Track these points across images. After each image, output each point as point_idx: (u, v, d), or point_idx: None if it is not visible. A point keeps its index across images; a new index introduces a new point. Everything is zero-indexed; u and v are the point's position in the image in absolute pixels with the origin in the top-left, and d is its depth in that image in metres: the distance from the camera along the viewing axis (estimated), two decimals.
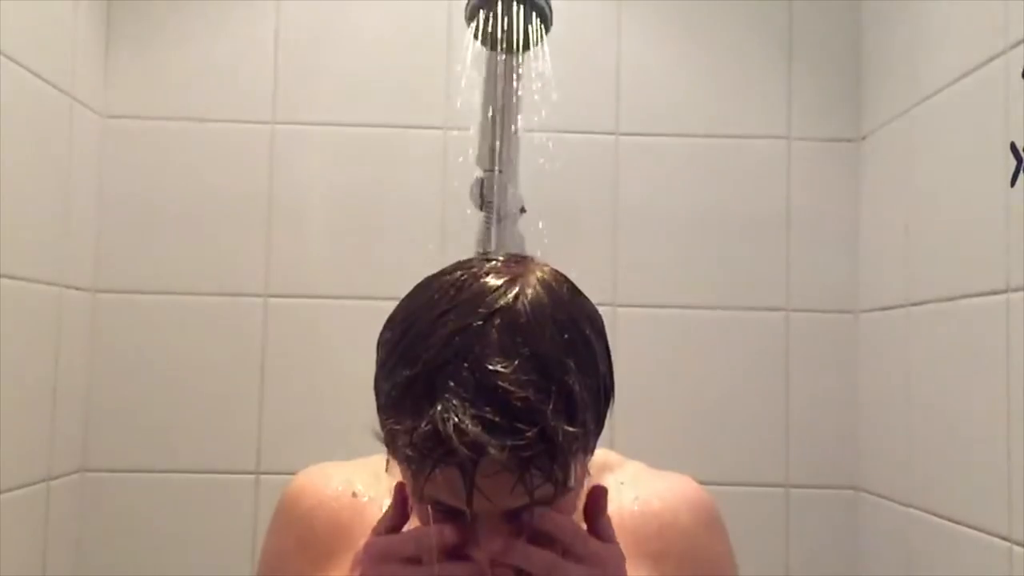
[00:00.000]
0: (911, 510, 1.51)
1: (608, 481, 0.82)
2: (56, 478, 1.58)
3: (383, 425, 0.66)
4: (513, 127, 1.68)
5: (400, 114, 1.74)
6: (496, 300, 0.66)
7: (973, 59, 1.35)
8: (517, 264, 0.70)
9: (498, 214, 1.66)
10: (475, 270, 0.69)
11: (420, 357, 0.64)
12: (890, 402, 1.60)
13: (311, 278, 1.72)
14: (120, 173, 1.72)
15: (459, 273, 0.69)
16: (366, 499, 0.86)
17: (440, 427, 0.60)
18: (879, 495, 1.64)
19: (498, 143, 1.66)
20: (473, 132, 1.69)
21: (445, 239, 1.71)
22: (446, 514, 0.65)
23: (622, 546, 0.70)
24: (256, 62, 1.74)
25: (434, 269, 0.74)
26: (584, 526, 0.69)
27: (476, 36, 1.63)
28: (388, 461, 0.71)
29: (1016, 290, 1.22)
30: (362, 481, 0.88)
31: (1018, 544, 1.20)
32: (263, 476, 1.68)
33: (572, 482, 0.64)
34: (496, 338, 0.63)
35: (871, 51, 1.74)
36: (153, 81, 1.73)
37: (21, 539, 1.48)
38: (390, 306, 0.72)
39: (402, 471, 0.67)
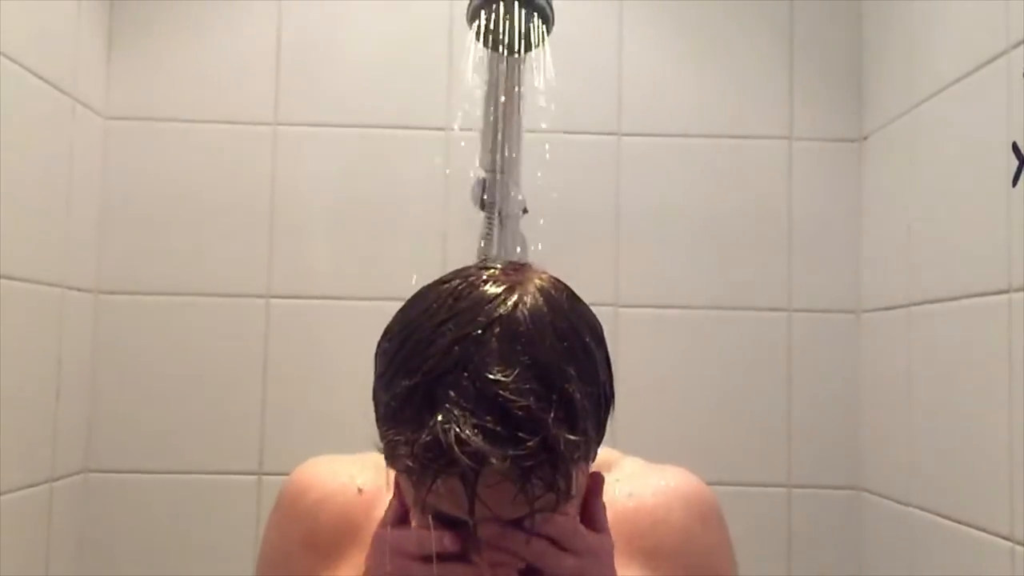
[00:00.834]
0: (913, 510, 1.51)
1: (606, 480, 0.82)
2: (59, 479, 1.58)
3: (383, 436, 0.66)
4: (515, 128, 1.68)
5: (402, 115, 1.74)
6: (495, 308, 0.65)
7: (974, 59, 1.35)
8: (516, 272, 0.70)
9: (500, 215, 1.66)
10: (473, 279, 0.68)
11: (420, 367, 0.64)
12: (892, 402, 1.60)
13: (313, 279, 1.72)
14: (122, 174, 1.72)
15: (457, 282, 0.69)
16: (371, 494, 0.85)
17: (441, 437, 0.59)
18: (881, 495, 1.64)
19: (500, 144, 1.66)
20: (475, 133, 1.69)
21: (447, 240, 1.71)
22: (447, 524, 0.65)
23: (615, 544, 0.70)
24: (258, 63, 1.74)
25: (436, 270, 0.74)
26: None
27: (478, 37, 1.63)
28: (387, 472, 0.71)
29: (1018, 290, 1.22)
30: (367, 475, 0.87)
31: (1020, 544, 1.20)
32: (265, 477, 1.68)
33: (574, 491, 0.63)
34: (496, 347, 0.63)
35: (873, 51, 1.74)
36: (155, 82, 1.74)
37: (24, 540, 1.48)
38: (392, 307, 0.72)
39: (402, 482, 0.66)
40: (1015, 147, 1.23)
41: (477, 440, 0.59)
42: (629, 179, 1.75)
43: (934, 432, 1.45)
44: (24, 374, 1.45)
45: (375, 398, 0.68)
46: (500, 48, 1.63)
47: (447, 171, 1.73)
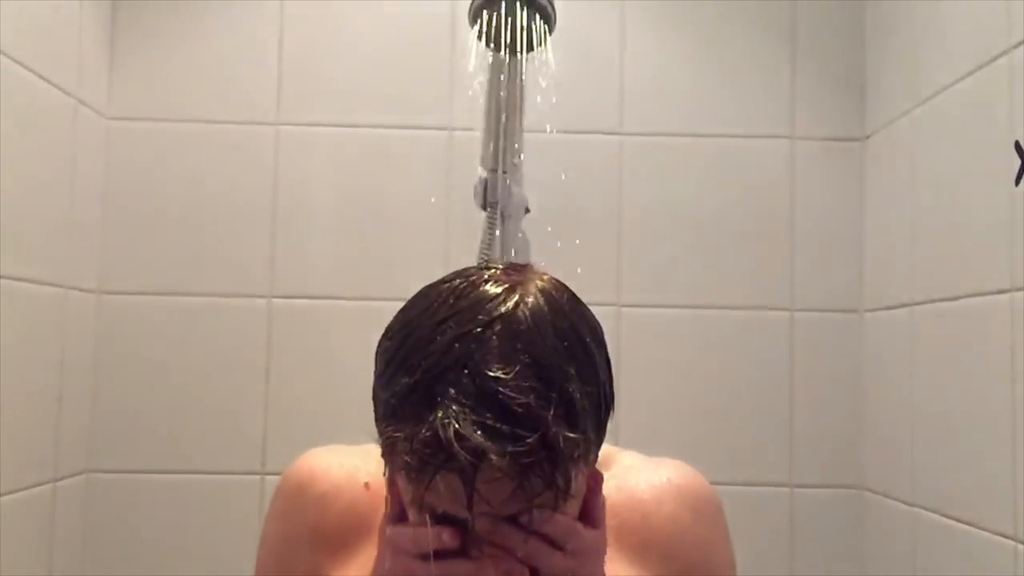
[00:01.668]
0: (916, 510, 1.50)
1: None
2: (62, 479, 1.58)
3: (382, 434, 0.65)
4: (517, 127, 1.68)
5: (404, 115, 1.74)
6: (496, 307, 0.65)
7: (977, 58, 1.35)
8: (517, 272, 0.70)
9: (502, 214, 1.66)
10: (474, 278, 0.68)
11: (420, 365, 0.64)
12: (895, 402, 1.60)
13: (315, 279, 1.72)
14: (125, 175, 1.72)
15: (458, 281, 0.69)
16: (378, 488, 0.83)
17: (440, 433, 0.59)
18: (884, 495, 1.64)
19: (502, 143, 1.66)
20: (477, 133, 1.70)
21: (449, 240, 1.71)
22: (445, 523, 0.64)
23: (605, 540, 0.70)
24: (260, 64, 1.74)
25: (438, 269, 0.74)
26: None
27: (480, 37, 1.63)
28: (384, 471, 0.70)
29: (1020, 289, 1.22)
30: (371, 467, 0.85)
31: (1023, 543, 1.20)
32: (268, 477, 1.68)
33: (573, 490, 0.63)
34: (496, 345, 0.63)
35: (875, 50, 1.74)
36: (158, 83, 1.74)
37: (27, 540, 1.48)
38: (395, 307, 0.72)
39: (400, 481, 0.66)
40: (1018, 146, 1.22)
41: (476, 436, 0.59)
42: (631, 178, 1.75)
43: (937, 431, 1.45)
44: (27, 375, 1.45)
45: (375, 397, 0.68)
46: (502, 48, 1.63)
47: (449, 171, 1.73)
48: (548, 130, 1.70)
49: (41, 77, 1.48)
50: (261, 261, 1.72)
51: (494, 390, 0.61)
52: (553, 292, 0.69)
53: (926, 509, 1.47)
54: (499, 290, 0.67)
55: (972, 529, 1.33)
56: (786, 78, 1.77)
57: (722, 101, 1.77)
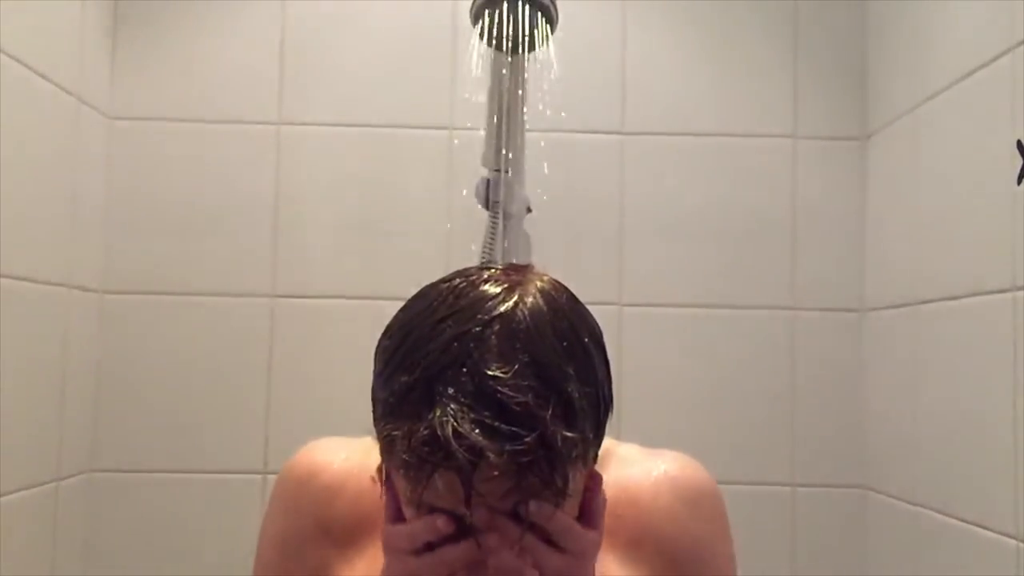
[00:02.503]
0: (918, 509, 1.50)
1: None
2: (65, 478, 1.58)
3: (380, 432, 0.65)
4: (519, 127, 1.68)
5: (406, 114, 1.74)
6: (495, 307, 0.65)
7: (979, 57, 1.35)
8: (516, 272, 0.70)
9: (504, 214, 1.66)
10: (474, 278, 0.68)
11: (419, 363, 0.64)
12: (897, 401, 1.60)
13: (318, 278, 1.72)
14: (127, 174, 1.72)
15: (457, 281, 0.69)
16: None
17: (439, 431, 0.59)
18: (886, 494, 1.64)
19: (504, 143, 1.66)
20: (479, 132, 1.70)
21: (451, 239, 1.71)
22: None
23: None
24: (262, 63, 1.74)
25: (440, 269, 0.74)
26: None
27: (482, 37, 1.63)
28: (380, 470, 0.69)
29: (1022, 288, 1.22)
30: (374, 460, 0.82)
31: None
32: (270, 476, 1.68)
33: (571, 489, 0.63)
34: (495, 344, 0.63)
35: (876, 49, 1.73)
36: (160, 82, 1.74)
37: (30, 539, 1.49)
38: (396, 307, 0.72)
39: (397, 479, 0.66)
40: (1020, 145, 1.22)
41: (474, 434, 0.59)
42: (633, 178, 1.75)
43: (939, 430, 1.45)
44: (29, 374, 1.46)
45: (374, 396, 0.68)
46: (504, 47, 1.63)
47: (451, 170, 1.73)
48: (550, 129, 1.70)
49: (43, 76, 1.48)
50: (263, 260, 1.72)
51: (493, 389, 0.61)
52: (552, 292, 0.68)
53: (928, 508, 1.47)
54: (498, 290, 0.67)
55: (974, 528, 1.33)
56: (788, 77, 1.77)
57: (723, 100, 1.77)
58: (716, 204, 1.75)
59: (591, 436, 0.66)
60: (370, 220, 1.73)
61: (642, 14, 1.77)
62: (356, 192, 1.73)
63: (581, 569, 0.67)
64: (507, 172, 1.67)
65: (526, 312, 0.65)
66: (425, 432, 0.60)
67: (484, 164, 1.68)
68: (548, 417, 0.60)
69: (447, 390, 0.61)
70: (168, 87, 1.74)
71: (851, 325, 1.74)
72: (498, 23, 1.61)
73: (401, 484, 0.66)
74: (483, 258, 1.61)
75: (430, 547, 0.64)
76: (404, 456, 0.61)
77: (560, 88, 1.68)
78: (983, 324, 1.32)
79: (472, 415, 0.60)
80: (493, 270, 0.70)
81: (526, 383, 0.61)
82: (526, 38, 1.62)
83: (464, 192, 1.68)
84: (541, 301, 0.67)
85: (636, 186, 1.75)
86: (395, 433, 0.62)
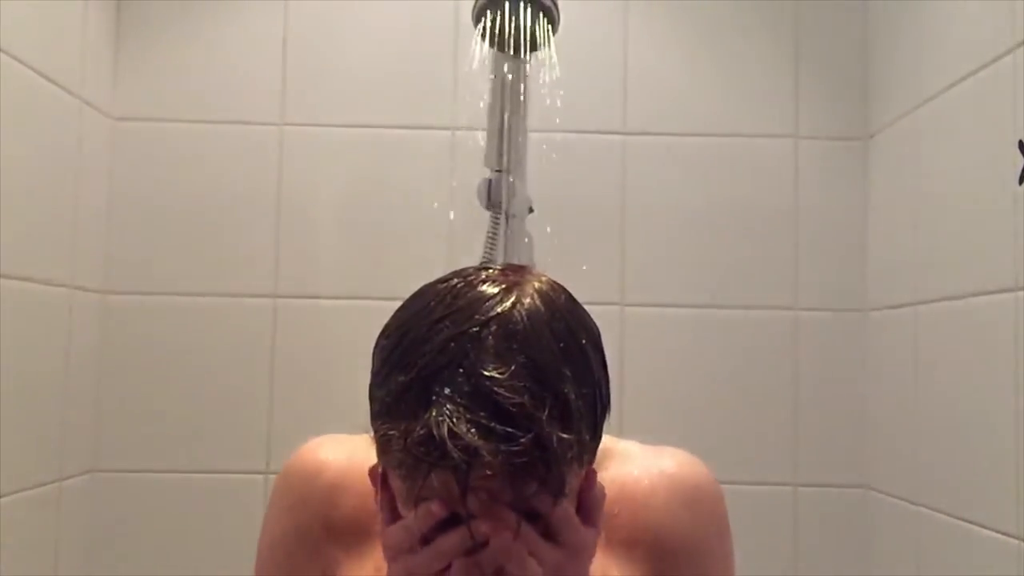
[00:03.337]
0: (921, 509, 1.50)
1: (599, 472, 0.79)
2: (67, 478, 1.59)
3: (377, 432, 0.65)
4: (521, 128, 1.68)
5: (408, 115, 1.74)
6: (492, 307, 0.65)
7: (981, 57, 1.35)
8: (514, 273, 0.69)
9: (506, 214, 1.66)
10: (471, 278, 0.68)
11: (415, 363, 0.63)
12: (899, 401, 1.60)
13: (320, 279, 1.72)
14: (129, 175, 1.73)
15: (455, 281, 0.68)
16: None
17: (434, 431, 0.59)
18: (888, 494, 1.63)
19: (506, 143, 1.66)
20: (481, 133, 1.70)
21: (453, 239, 1.71)
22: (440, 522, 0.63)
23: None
24: (264, 64, 1.74)
25: (442, 269, 0.74)
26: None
27: (483, 37, 1.63)
28: (373, 471, 0.69)
29: None
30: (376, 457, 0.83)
31: None
32: (272, 476, 1.67)
33: (567, 490, 0.63)
34: (492, 344, 0.63)
35: (878, 49, 1.73)
36: (162, 83, 1.74)
37: (33, 539, 1.49)
38: (398, 307, 0.72)
39: (393, 480, 0.66)
40: (1021, 145, 1.22)
41: (470, 435, 0.59)
42: (635, 178, 1.75)
43: (941, 431, 1.45)
44: (32, 374, 1.46)
45: (371, 395, 0.68)
46: (506, 48, 1.63)
47: (453, 171, 1.73)
48: (552, 130, 1.70)
49: (46, 77, 1.48)
50: (265, 261, 1.72)
51: (489, 389, 0.60)
52: (550, 293, 0.68)
53: (930, 508, 1.47)
54: (496, 290, 0.66)
55: (976, 528, 1.33)
56: (790, 77, 1.77)
57: (725, 101, 1.77)
58: (718, 204, 1.75)
59: (587, 438, 0.65)
60: (372, 221, 1.73)
61: (644, 14, 1.77)
62: (358, 193, 1.74)
63: (577, 567, 0.66)
64: (509, 172, 1.67)
65: (523, 313, 0.65)
66: (421, 432, 0.60)
67: (486, 164, 1.68)
68: (544, 418, 0.60)
69: (443, 390, 0.61)
70: (170, 88, 1.74)
71: (853, 325, 1.74)
72: (500, 23, 1.61)
73: (397, 484, 0.65)
74: (484, 258, 1.61)
75: (427, 542, 0.63)
76: (400, 456, 0.61)
77: (562, 88, 1.68)
78: (985, 324, 1.32)
79: (468, 415, 0.59)
80: (491, 270, 0.70)
81: (522, 384, 0.61)
82: (528, 38, 1.62)
83: (466, 192, 1.68)
84: (539, 302, 0.66)
85: (638, 186, 1.75)
86: (391, 433, 0.62)
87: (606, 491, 0.70)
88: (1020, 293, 1.23)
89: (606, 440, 0.83)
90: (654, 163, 1.76)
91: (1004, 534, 1.25)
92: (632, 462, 0.84)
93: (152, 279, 1.72)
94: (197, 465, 1.69)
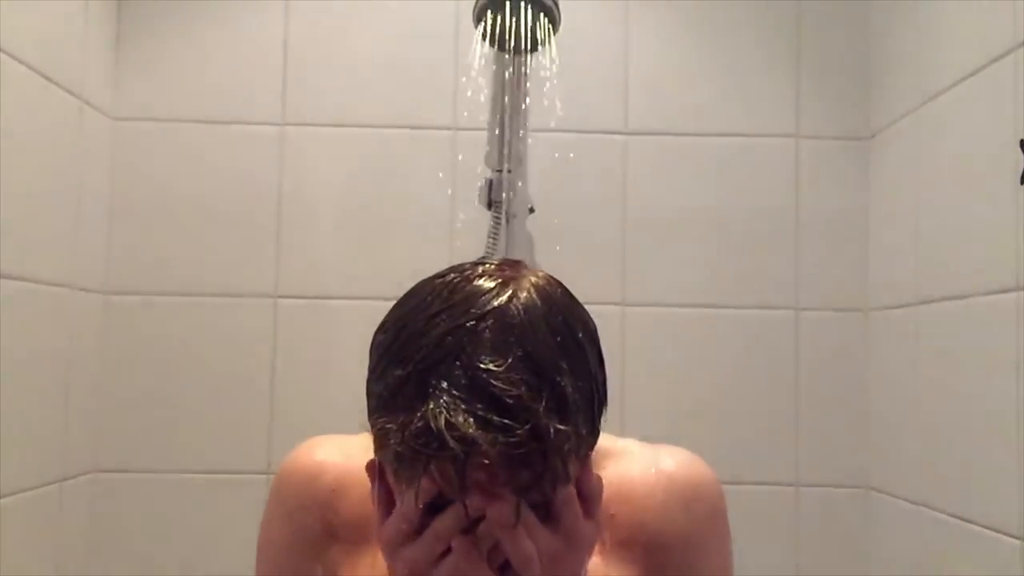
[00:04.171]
0: (922, 508, 1.50)
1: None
2: (69, 479, 1.59)
3: (374, 426, 0.65)
4: (521, 127, 1.68)
5: (409, 115, 1.74)
6: (489, 301, 0.65)
7: (982, 57, 1.35)
8: (511, 268, 0.70)
9: (507, 214, 1.66)
10: (468, 273, 0.69)
11: (412, 357, 0.64)
12: (901, 401, 1.59)
13: (321, 279, 1.72)
14: (130, 175, 1.72)
15: (452, 276, 0.69)
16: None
17: (432, 423, 0.59)
18: (890, 494, 1.63)
19: (507, 143, 1.67)
20: (481, 133, 1.70)
21: (454, 239, 1.71)
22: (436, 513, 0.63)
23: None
24: (265, 64, 1.74)
25: (443, 269, 0.74)
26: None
27: (484, 37, 1.63)
28: (370, 467, 0.68)
29: None
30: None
31: None
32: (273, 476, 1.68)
33: (564, 481, 0.63)
34: (489, 338, 0.63)
35: (880, 48, 1.73)
36: (163, 83, 1.74)
37: (34, 539, 1.49)
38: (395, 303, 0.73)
39: (390, 476, 0.65)
40: (1023, 144, 1.22)
41: (468, 425, 0.59)
42: (636, 178, 1.75)
43: (942, 430, 1.44)
44: (33, 374, 1.46)
45: (368, 391, 0.68)
46: (506, 47, 1.63)
47: (454, 171, 1.73)
48: (553, 130, 1.70)
49: (46, 77, 1.48)
50: (266, 261, 1.72)
51: (486, 382, 0.61)
52: (547, 287, 0.68)
53: (931, 508, 1.47)
54: (492, 285, 0.67)
55: (977, 528, 1.33)
56: (791, 77, 1.77)
57: (727, 100, 1.77)
58: (719, 204, 1.75)
59: (585, 431, 0.65)
60: (373, 220, 1.73)
61: (645, 13, 1.77)
62: (359, 192, 1.73)
63: (574, 560, 0.66)
64: (509, 172, 1.67)
65: (520, 307, 0.65)
66: (419, 424, 0.60)
67: (487, 164, 1.68)
68: (541, 410, 0.60)
69: (440, 383, 0.61)
70: (171, 87, 1.74)
71: (855, 324, 1.74)
72: (501, 23, 1.61)
73: (395, 478, 0.65)
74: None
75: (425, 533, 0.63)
76: (398, 448, 0.61)
77: (562, 88, 1.68)
78: (987, 323, 1.31)
79: (465, 407, 0.60)
80: (487, 265, 0.70)
81: (519, 376, 0.61)
82: (529, 38, 1.62)
83: (466, 192, 1.68)
84: (535, 296, 0.67)
85: (639, 186, 1.75)
86: (389, 426, 0.62)
87: (604, 490, 0.69)
88: (1022, 292, 1.23)
89: (605, 439, 0.82)
90: (655, 163, 1.75)
91: (1006, 534, 1.25)
92: (631, 461, 0.84)
93: (153, 279, 1.71)
94: (198, 465, 1.69)
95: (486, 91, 1.69)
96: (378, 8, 1.76)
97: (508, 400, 0.60)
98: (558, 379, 0.63)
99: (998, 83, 1.30)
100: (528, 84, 1.67)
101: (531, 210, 1.70)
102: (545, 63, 1.67)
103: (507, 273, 0.69)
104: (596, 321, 0.71)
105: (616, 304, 1.72)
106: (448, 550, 0.63)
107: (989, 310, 1.31)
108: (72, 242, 1.58)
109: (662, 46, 1.78)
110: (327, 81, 1.75)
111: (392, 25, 1.76)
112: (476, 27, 1.64)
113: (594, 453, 0.70)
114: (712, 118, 1.76)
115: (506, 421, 0.59)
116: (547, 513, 0.64)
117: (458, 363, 0.62)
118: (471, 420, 0.59)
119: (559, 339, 0.65)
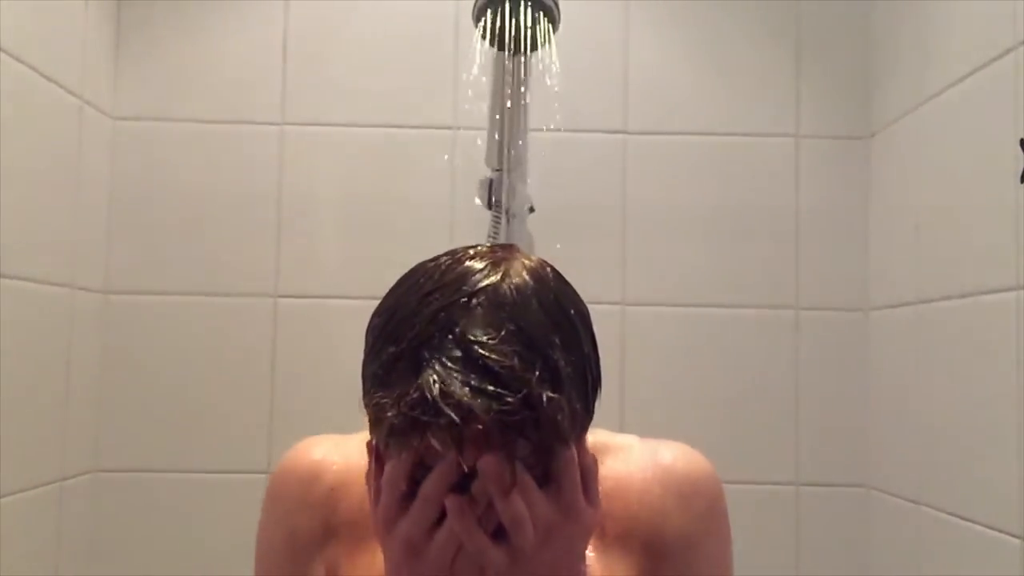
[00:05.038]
0: (922, 508, 1.50)
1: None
2: (68, 478, 1.59)
3: (369, 404, 0.65)
4: (521, 127, 1.68)
5: (409, 114, 1.74)
6: (481, 280, 0.66)
7: (982, 56, 1.35)
8: (503, 251, 0.71)
9: (507, 214, 1.66)
10: (460, 255, 0.70)
11: (406, 335, 0.65)
12: (901, 400, 1.59)
13: (320, 278, 1.72)
14: (130, 175, 1.73)
15: (444, 258, 0.70)
16: None
17: (427, 393, 0.60)
18: (890, 493, 1.63)
19: (507, 143, 1.66)
20: (481, 132, 1.70)
21: (454, 239, 1.71)
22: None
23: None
24: (265, 64, 1.74)
25: None
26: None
27: (484, 36, 1.63)
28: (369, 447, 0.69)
29: None
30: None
31: None
32: None
33: (557, 450, 0.63)
34: (481, 313, 0.64)
35: (880, 48, 1.73)
36: (163, 83, 1.74)
37: (34, 539, 1.49)
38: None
39: (388, 454, 0.65)
40: (1022, 144, 1.22)
41: (462, 393, 0.59)
42: (636, 177, 1.75)
43: (943, 430, 1.44)
44: (33, 374, 1.46)
45: (363, 372, 0.68)
46: (506, 47, 1.63)
47: (453, 170, 1.73)
48: (553, 129, 1.70)
49: (46, 77, 1.48)
50: (266, 261, 1.72)
51: (479, 354, 0.61)
52: (538, 269, 0.69)
53: (931, 507, 1.47)
54: (484, 264, 0.68)
55: (977, 527, 1.33)
56: (791, 76, 1.77)
57: (727, 100, 1.77)
58: (719, 203, 1.75)
59: (578, 406, 0.65)
60: (373, 220, 1.73)
61: (645, 13, 1.77)
62: (359, 192, 1.74)
63: (570, 535, 0.65)
64: (509, 172, 1.67)
65: (512, 285, 0.66)
66: (414, 395, 0.60)
67: (487, 164, 1.68)
68: (534, 380, 0.61)
69: (434, 356, 0.62)
70: (171, 87, 1.74)
71: (854, 324, 1.74)
72: (500, 23, 1.61)
73: (391, 456, 0.64)
74: None
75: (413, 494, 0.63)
76: (394, 421, 0.61)
77: (562, 88, 1.68)
78: (986, 323, 1.31)
79: (460, 377, 0.60)
80: (479, 247, 0.71)
81: (511, 348, 0.62)
82: (528, 37, 1.62)
83: (466, 192, 1.68)
84: (527, 275, 0.67)
85: (639, 185, 1.75)
86: (384, 400, 0.62)
87: (603, 484, 0.69)
88: (1021, 292, 1.23)
89: (604, 434, 0.83)
90: (655, 162, 1.75)
91: (1005, 533, 1.25)
92: (630, 455, 0.84)
93: (153, 279, 1.71)
94: (198, 465, 1.69)
95: (486, 91, 1.69)
96: (377, 8, 1.76)
97: (501, 370, 0.61)
98: (550, 352, 0.64)
99: (998, 83, 1.30)
100: (528, 84, 1.67)
101: (531, 210, 1.70)
102: (545, 63, 1.67)
103: (499, 255, 0.70)
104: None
105: (616, 303, 1.72)
106: (442, 520, 0.63)
107: (989, 309, 1.31)
108: (72, 242, 1.58)
109: (662, 45, 1.78)
110: (326, 81, 1.75)
111: (392, 25, 1.76)
112: (475, 26, 1.64)
113: (593, 448, 0.70)
114: (712, 118, 1.76)
115: (499, 390, 0.60)
116: (546, 482, 0.64)
117: (451, 337, 0.63)
118: (466, 389, 0.60)
119: (551, 316, 0.66)
